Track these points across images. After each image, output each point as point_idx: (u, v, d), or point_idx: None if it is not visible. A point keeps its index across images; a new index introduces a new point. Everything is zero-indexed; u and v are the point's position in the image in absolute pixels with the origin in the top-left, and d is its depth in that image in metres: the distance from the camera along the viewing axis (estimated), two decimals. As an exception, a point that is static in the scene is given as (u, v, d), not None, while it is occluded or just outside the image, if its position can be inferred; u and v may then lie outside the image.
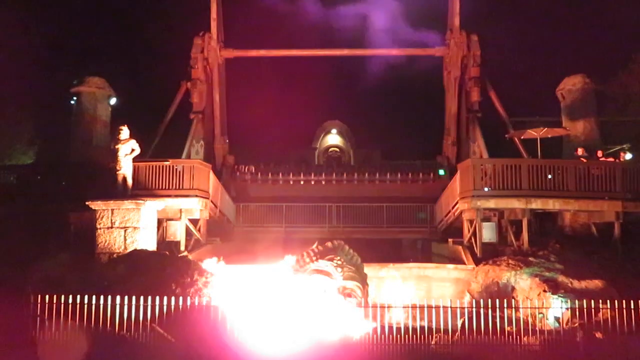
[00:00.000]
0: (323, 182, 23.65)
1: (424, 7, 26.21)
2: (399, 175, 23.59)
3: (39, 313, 9.38)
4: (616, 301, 9.49)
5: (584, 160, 15.35)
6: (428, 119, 25.86)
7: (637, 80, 22.32)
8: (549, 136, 17.60)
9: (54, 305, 9.35)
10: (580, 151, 16.19)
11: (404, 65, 26.54)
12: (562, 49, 26.33)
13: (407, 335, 9.41)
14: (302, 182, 23.61)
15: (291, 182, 23.52)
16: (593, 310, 9.60)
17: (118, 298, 9.50)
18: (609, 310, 9.50)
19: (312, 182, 23.64)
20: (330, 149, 28.57)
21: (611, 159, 16.06)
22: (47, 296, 9.41)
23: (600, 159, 15.88)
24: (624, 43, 24.26)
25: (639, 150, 19.33)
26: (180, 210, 15.03)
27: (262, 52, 24.17)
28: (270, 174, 23.74)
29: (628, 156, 17.92)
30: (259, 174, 23.79)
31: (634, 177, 14.53)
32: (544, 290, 11.64)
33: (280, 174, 23.73)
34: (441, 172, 23.29)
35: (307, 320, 10.25)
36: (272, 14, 25.28)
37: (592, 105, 18.87)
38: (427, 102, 26.28)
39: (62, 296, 9.39)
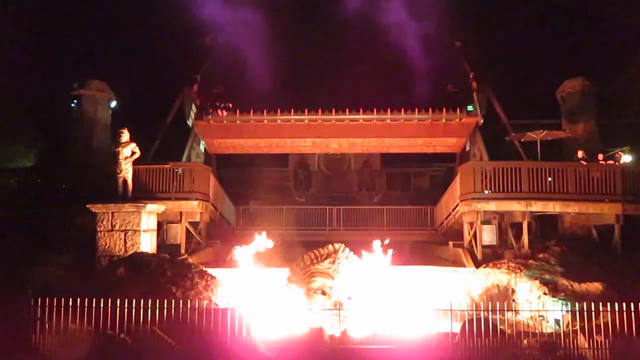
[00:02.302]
0: (319, 121, 20.31)
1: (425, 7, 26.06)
2: (417, 112, 19.95)
3: (39, 316, 9.38)
4: (616, 304, 9.50)
5: (584, 163, 15.37)
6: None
7: (637, 82, 22.37)
8: (549, 139, 17.63)
9: (55, 308, 9.36)
10: (580, 154, 16.20)
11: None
12: (562, 52, 26.34)
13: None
14: (292, 121, 20.33)
15: (278, 122, 20.20)
16: (593, 313, 9.60)
17: (119, 300, 9.50)
18: (609, 313, 9.51)
19: (306, 121, 20.29)
20: (331, 152, 28.48)
21: (611, 162, 16.07)
22: (47, 299, 9.42)
23: (601, 162, 15.89)
24: (623, 45, 24.31)
25: (638, 152, 19.34)
26: (181, 213, 15.05)
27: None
28: (252, 112, 20.13)
29: (627, 158, 17.91)
30: (237, 112, 20.24)
31: (634, 179, 14.56)
32: (544, 293, 11.66)
33: (265, 112, 20.09)
34: (470, 107, 20.09)
35: (308, 323, 10.26)
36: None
37: (591, 107, 18.90)
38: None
39: (63, 299, 9.40)
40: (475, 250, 14.88)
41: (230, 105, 20.58)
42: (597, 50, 24.87)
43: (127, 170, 13.66)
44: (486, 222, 14.93)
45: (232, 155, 24.99)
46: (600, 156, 16.31)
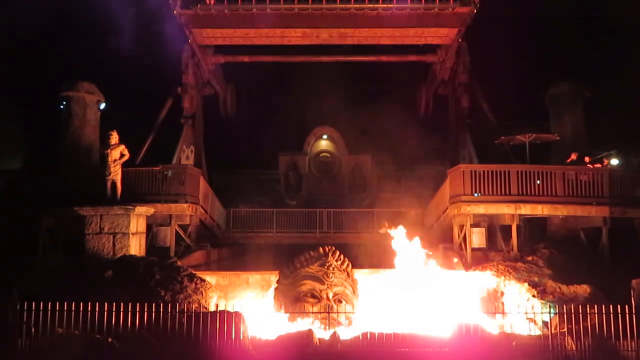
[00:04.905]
0: (309, 10, 19.70)
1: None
2: (409, 2, 19.49)
3: (25, 319, 9.27)
4: (604, 306, 9.58)
5: (574, 166, 15.50)
6: (424, 125, 25.80)
7: (624, 85, 22.57)
8: (538, 142, 17.77)
9: (41, 311, 9.26)
10: (575, 156, 16.30)
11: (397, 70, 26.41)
12: (550, 55, 26.55)
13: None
14: (282, 10, 19.68)
15: (268, 10, 19.50)
16: (581, 315, 9.68)
17: (107, 304, 9.42)
18: (596, 315, 9.58)
19: (296, 10, 19.57)
20: (322, 154, 28.57)
21: (598, 165, 16.21)
22: (33, 302, 9.31)
23: (588, 165, 16.02)
24: (611, 49, 24.55)
25: (625, 155, 19.50)
26: (170, 216, 14.98)
27: (253, 58, 24.09)
28: (240, 1, 19.46)
29: (613, 162, 18.04)
30: (225, 1, 19.50)
31: (621, 182, 14.70)
32: (533, 296, 11.75)
33: (254, 1, 19.45)
34: None
35: (297, 326, 10.25)
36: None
37: (579, 110, 19.06)
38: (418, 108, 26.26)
39: (49, 302, 9.30)
40: (464, 253, 14.93)
41: None
42: (585, 54, 25.09)
43: (116, 173, 13.57)
44: (475, 224, 15.00)
45: (223, 157, 24.97)
46: (587, 159, 16.44)
